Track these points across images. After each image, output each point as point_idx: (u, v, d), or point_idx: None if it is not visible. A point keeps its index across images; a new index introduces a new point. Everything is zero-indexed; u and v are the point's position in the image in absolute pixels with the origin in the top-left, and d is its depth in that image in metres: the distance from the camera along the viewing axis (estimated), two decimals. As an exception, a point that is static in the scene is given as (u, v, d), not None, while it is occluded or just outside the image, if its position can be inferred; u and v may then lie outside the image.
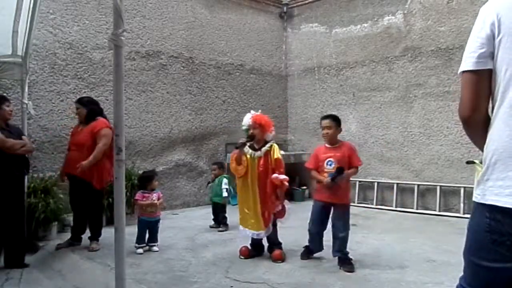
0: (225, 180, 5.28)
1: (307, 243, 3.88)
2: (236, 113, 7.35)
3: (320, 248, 3.81)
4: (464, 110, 1.35)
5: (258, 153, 3.85)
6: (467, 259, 1.37)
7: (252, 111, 4.00)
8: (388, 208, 6.56)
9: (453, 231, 4.85)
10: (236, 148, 3.89)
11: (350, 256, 3.61)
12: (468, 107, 1.34)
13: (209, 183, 5.55)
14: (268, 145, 3.89)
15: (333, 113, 4.09)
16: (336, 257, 3.62)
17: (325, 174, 3.62)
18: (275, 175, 3.77)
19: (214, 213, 5.33)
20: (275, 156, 3.84)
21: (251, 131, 3.88)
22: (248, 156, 3.86)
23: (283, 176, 3.78)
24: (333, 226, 3.64)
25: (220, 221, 5.18)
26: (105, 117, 4.37)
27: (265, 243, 3.98)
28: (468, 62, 1.32)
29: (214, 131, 7.16)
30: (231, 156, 4.02)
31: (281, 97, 8.32)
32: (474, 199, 1.33)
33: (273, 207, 3.82)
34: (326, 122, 3.73)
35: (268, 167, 3.82)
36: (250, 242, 3.98)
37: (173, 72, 6.59)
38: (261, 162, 3.83)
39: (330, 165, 3.62)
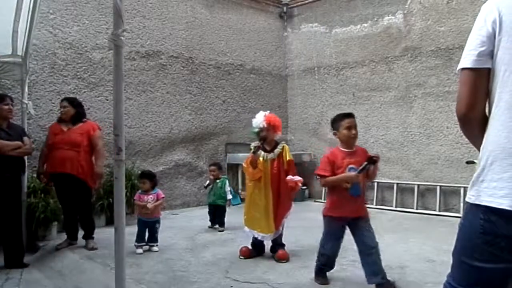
0: (227, 182, 5.21)
1: (318, 264, 3.24)
2: (236, 113, 7.35)
3: (333, 266, 3.23)
4: (460, 107, 1.34)
5: (271, 155, 3.78)
6: (458, 259, 1.37)
7: (262, 112, 3.88)
8: (388, 208, 6.55)
9: (453, 231, 4.80)
10: (253, 153, 3.73)
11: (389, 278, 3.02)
12: (464, 104, 1.32)
13: (208, 185, 5.27)
14: (280, 146, 3.82)
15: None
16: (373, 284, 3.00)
17: (347, 185, 3.00)
18: (289, 177, 3.71)
19: (213, 215, 5.20)
20: (288, 158, 3.78)
21: (264, 133, 3.78)
22: (261, 158, 3.76)
23: (298, 178, 3.72)
24: (361, 241, 3.03)
25: (221, 222, 5.13)
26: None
27: (268, 243, 3.93)
28: (467, 59, 1.30)
29: (214, 131, 7.16)
30: (245, 161, 3.86)
31: (281, 97, 8.31)
32: (467, 199, 1.32)
33: (287, 209, 3.80)
34: (353, 120, 3.10)
35: (281, 169, 3.76)
36: (251, 242, 3.94)
37: (173, 72, 6.59)
38: (275, 164, 3.76)
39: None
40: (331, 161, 3.08)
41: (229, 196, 5.12)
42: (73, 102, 4.39)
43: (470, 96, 1.31)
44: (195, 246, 4.39)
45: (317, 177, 3.18)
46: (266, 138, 3.79)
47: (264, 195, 3.76)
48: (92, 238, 4.33)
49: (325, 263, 3.19)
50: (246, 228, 3.91)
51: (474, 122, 1.34)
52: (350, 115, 3.13)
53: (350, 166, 3.01)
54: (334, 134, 3.18)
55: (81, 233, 4.41)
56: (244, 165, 3.89)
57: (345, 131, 3.06)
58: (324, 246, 3.16)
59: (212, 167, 5.28)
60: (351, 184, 2.98)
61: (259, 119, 3.81)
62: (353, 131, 3.06)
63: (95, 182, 4.33)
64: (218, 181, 5.17)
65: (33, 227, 4.35)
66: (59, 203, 4.48)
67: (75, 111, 4.32)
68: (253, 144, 3.83)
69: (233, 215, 5.08)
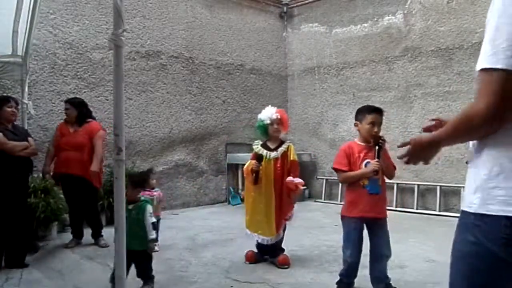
0: (148, 208, 2.95)
1: (339, 276, 3.01)
2: (236, 113, 7.35)
3: (355, 275, 2.98)
4: (481, 118, 1.01)
5: (274, 154, 3.54)
6: None
7: (270, 106, 3.68)
8: (388, 208, 6.48)
9: (453, 231, 4.84)
10: (257, 160, 3.48)
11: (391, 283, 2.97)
12: (489, 116, 1.00)
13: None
14: (285, 145, 3.60)
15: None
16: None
17: (363, 181, 2.85)
18: (289, 178, 3.49)
19: (136, 267, 2.93)
20: (292, 158, 3.55)
21: (275, 126, 3.56)
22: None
23: (298, 180, 3.49)
24: (375, 247, 2.91)
25: (146, 277, 2.99)
26: (94, 119, 4.55)
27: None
28: (498, 57, 0.96)
29: (214, 131, 7.16)
30: (246, 168, 3.61)
31: (281, 97, 8.31)
32: (467, 209, 1.12)
33: (288, 212, 3.63)
34: (379, 117, 2.86)
35: (285, 169, 3.54)
36: (256, 244, 3.75)
37: (173, 72, 6.59)
38: (278, 164, 3.53)
39: None
40: (348, 154, 2.90)
41: (152, 235, 2.91)
42: (74, 103, 4.42)
43: (498, 106, 0.98)
44: (195, 246, 4.39)
45: (336, 171, 2.98)
46: (271, 136, 3.58)
47: (265, 197, 3.55)
48: (102, 236, 4.44)
49: (346, 269, 2.94)
50: (248, 231, 3.73)
51: (489, 132, 1.06)
52: (378, 110, 2.88)
53: (367, 160, 2.83)
54: (355, 125, 2.94)
55: (89, 232, 4.47)
56: (245, 170, 3.65)
57: (368, 126, 2.83)
58: (345, 251, 2.93)
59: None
60: (368, 180, 2.82)
61: (270, 112, 3.55)
62: (375, 129, 2.82)
63: (100, 182, 4.44)
64: (130, 206, 2.88)
65: (33, 227, 4.36)
66: (65, 203, 4.53)
67: (77, 112, 4.38)
68: (256, 145, 3.62)
69: (232, 215, 5.07)
